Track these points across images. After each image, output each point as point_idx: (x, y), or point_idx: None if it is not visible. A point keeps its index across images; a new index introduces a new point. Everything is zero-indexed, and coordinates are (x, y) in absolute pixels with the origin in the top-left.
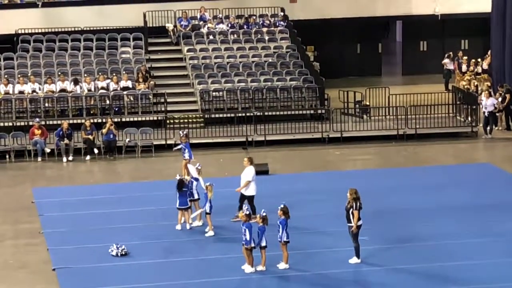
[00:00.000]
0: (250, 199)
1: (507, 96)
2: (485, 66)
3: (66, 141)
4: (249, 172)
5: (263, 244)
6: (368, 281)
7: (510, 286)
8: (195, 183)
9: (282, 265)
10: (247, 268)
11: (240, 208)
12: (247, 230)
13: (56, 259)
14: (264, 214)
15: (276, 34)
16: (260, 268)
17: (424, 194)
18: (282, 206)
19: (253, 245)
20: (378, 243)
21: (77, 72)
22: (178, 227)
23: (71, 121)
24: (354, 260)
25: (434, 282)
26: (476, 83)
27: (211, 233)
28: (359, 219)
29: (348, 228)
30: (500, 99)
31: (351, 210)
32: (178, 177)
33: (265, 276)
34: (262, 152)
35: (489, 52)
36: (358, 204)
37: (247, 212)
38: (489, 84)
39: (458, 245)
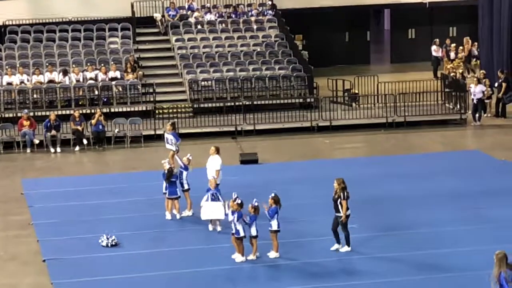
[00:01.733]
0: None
1: (503, 84)
2: (465, 53)
3: (53, 132)
4: (217, 161)
5: (254, 233)
6: (358, 269)
7: None
8: (185, 173)
9: (272, 254)
10: (238, 257)
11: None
12: (237, 219)
13: (46, 250)
14: (256, 204)
15: (264, 23)
16: (251, 257)
17: (414, 182)
18: (273, 194)
19: (242, 234)
20: (367, 231)
21: (65, 63)
22: (168, 216)
23: (59, 112)
24: (345, 248)
25: (423, 269)
26: (461, 71)
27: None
28: (347, 208)
29: (335, 218)
30: (496, 84)
31: (339, 200)
32: (167, 165)
33: (256, 265)
34: (251, 141)
35: (464, 40)
36: (345, 193)
37: (239, 201)
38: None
39: (447, 232)
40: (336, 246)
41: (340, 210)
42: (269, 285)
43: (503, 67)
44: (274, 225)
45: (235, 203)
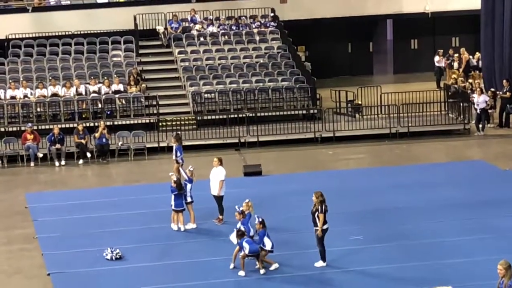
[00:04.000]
0: (220, 199)
1: (508, 94)
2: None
3: (57, 145)
4: (220, 172)
5: (269, 248)
6: (364, 280)
7: None
8: (189, 185)
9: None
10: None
11: (221, 209)
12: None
13: (50, 264)
14: (261, 219)
15: (267, 34)
16: (274, 267)
17: (418, 192)
18: (260, 219)
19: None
20: (371, 242)
21: (68, 77)
22: (174, 227)
23: (63, 126)
24: (319, 263)
25: (427, 279)
26: (462, 80)
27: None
28: (325, 222)
29: (315, 232)
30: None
31: (316, 213)
32: (174, 178)
33: (260, 279)
34: (255, 153)
35: (462, 50)
36: (323, 207)
37: (261, 220)
38: (479, 81)
39: (451, 242)
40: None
41: (317, 223)
42: None
43: (507, 76)
44: (268, 245)
45: (258, 222)
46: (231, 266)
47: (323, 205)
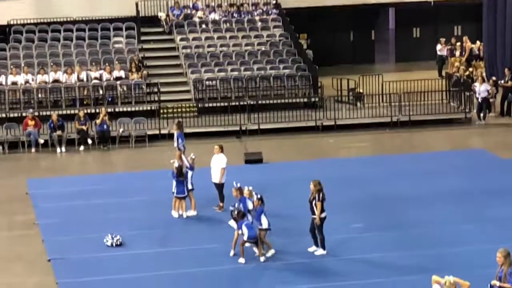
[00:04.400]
0: (221, 187)
1: (510, 82)
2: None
3: (59, 132)
4: (221, 159)
5: (266, 226)
6: (363, 267)
7: None
8: (190, 172)
9: (270, 253)
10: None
11: (222, 197)
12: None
13: (51, 250)
14: (259, 195)
15: (269, 22)
16: (271, 253)
17: (418, 181)
18: (258, 196)
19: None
20: (372, 230)
21: (70, 63)
22: (175, 214)
23: (64, 112)
24: (320, 251)
25: (428, 268)
26: (464, 69)
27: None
28: (322, 210)
29: (312, 220)
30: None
31: (314, 202)
32: (176, 164)
33: (261, 265)
34: (256, 140)
35: (464, 38)
36: (321, 195)
37: (259, 196)
38: (481, 70)
39: (451, 231)
40: (313, 248)
41: (315, 211)
42: (273, 284)
43: (508, 65)
44: (264, 223)
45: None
46: (231, 253)
47: (321, 193)
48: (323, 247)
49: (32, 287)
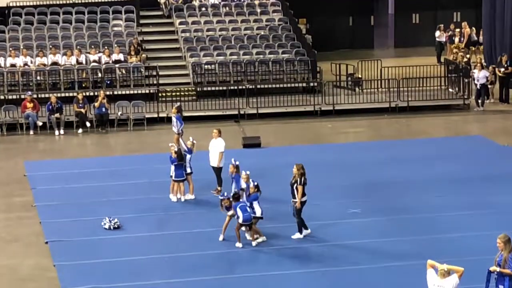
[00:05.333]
0: (219, 170)
1: (510, 68)
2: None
3: (57, 114)
4: (220, 143)
5: (259, 215)
6: (362, 253)
7: None
8: (188, 156)
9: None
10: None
11: (220, 181)
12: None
13: (48, 232)
14: (256, 183)
15: (268, 6)
16: (262, 239)
17: (416, 167)
18: (255, 183)
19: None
20: (369, 215)
21: (69, 45)
22: (173, 197)
23: (63, 94)
24: (296, 235)
25: (425, 254)
26: (462, 55)
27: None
28: (304, 194)
29: (292, 204)
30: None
31: (295, 185)
32: (175, 148)
33: (257, 250)
34: (254, 125)
35: (463, 24)
36: (302, 179)
37: (256, 183)
38: (480, 57)
39: (449, 217)
40: (305, 231)
41: (296, 195)
42: (269, 269)
43: (507, 52)
44: (258, 211)
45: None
46: (221, 238)
47: (303, 177)
48: (300, 231)
49: (29, 269)
